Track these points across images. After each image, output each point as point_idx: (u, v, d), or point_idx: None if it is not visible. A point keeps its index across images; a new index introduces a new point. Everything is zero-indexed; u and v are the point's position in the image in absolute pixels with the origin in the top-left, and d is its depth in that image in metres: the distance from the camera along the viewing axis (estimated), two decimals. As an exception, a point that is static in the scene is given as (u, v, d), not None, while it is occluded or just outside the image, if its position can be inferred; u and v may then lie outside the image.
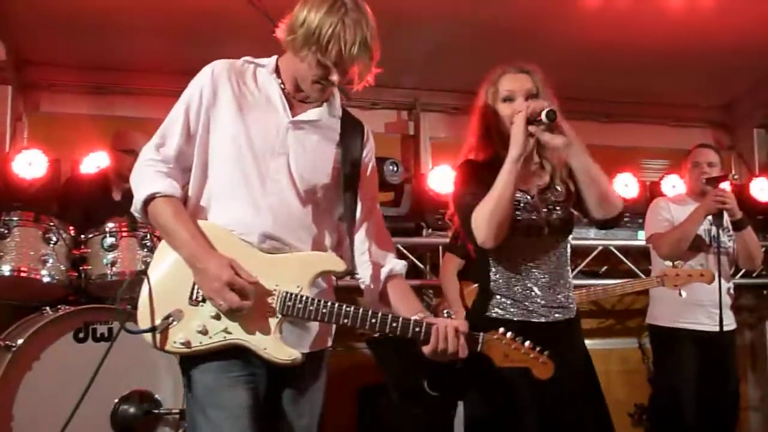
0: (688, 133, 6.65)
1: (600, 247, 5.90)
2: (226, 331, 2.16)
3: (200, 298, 2.18)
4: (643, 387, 5.48)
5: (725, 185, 4.50)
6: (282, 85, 2.34)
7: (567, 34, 5.47)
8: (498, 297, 2.74)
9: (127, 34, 4.90)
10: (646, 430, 5.56)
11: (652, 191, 6.11)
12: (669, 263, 4.06)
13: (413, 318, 2.22)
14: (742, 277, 6.13)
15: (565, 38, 5.51)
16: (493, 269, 2.76)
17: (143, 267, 3.76)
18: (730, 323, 4.36)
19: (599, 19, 5.39)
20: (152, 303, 2.18)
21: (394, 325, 2.20)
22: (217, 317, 2.16)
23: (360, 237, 2.41)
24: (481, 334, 2.24)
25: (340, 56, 2.16)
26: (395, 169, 5.16)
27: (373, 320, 2.19)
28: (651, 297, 4.69)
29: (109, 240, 3.75)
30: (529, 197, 2.74)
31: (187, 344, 2.15)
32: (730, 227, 4.42)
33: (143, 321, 2.18)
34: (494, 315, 2.71)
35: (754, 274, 6.25)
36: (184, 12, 4.64)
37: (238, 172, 2.26)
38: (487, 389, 2.67)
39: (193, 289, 2.18)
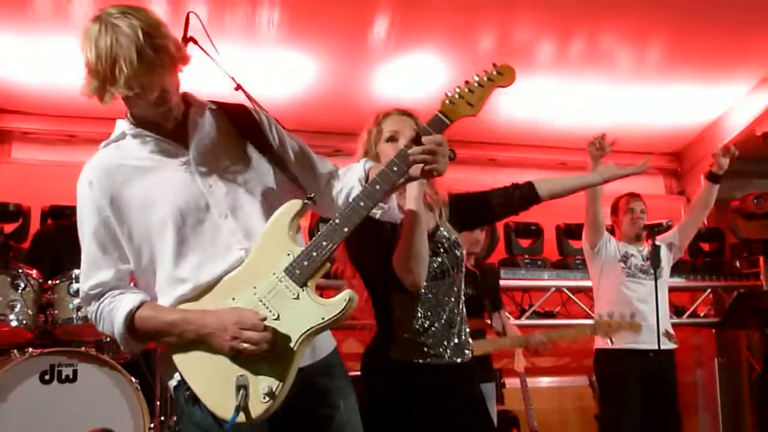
0: (641, 180, 6.97)
1: (553, 288, 6.15)
2: (286, 348, 2.00)
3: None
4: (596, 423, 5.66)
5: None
6: (151, 133, 2.12)
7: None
8: (400, 339, 2.67)
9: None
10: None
11: (608, 234, 6.40)
12: (603, 313, 4.39)
13: (384, 167, 2.10)
14: (690, 316, 6.45)
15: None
16: (395, 311, 2.68)
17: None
18: (668, 345, 4.72)
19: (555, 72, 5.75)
20: (215, 398, 2.02)
21: (378, 187, 2.08)
22: (268, 349, 1.99)
23: (328, 192, 2.32)
24: (436, 113, 2.11)
25: (130, 80, 1.92)
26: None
27: (362, 203, 2.06)
28: None
29: (76, 286, 3.88)
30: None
31: (271, 392, 1.99)
32: (667, 261, 4.84)
33: (224, 412, 1.99)
34: (396, 357, 2.66)
35: (702, 314, 6.56)
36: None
37: (185, 245, 2.09)
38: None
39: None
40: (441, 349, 2.69)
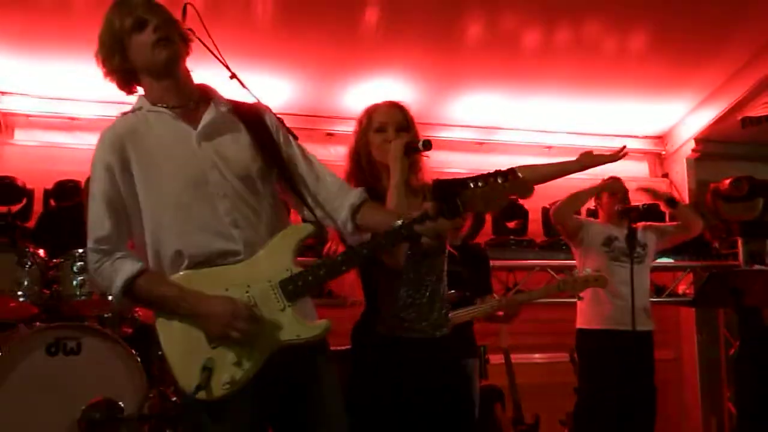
0: (626, 163, 7.14)
1: (537, 268, 6.39)
2: (258, 348, 2.21)
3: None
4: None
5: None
6: (166, 108, 2.36)
7: (508, 67, 5.99)
8: (385, 314, 2.84)
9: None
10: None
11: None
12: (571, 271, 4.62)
13: (397, 223, 2.27)
14: (670, 295, 6.68)
15: (505, 70, 6.02)
16: (381, 289, 2.85)
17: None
18: (646, 325, 4.95)
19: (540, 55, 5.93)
20: (181, 368, 2.22)
21: (383, 241, 2.27)
22: (243, 344, 2.20)
23: (316, 193, 2.47)
24: (457, 198, 2.23)
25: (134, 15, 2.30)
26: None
27: (365, 250, 2.27)
28: (578, 304, 5.20)
29: (79, 264, 4.06)
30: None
31: (233, 381, 2.18)
32: (645, 243, 5.02)
33: (186, 384, 2.20)
34: (381, 331, 2.83)
35: (681, 293, 6.78)
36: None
37: (183, 211, 2.27)
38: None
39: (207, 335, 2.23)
40: (423, 325, 2.85)
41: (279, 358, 2.25)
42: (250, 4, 5.14)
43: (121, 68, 2.37)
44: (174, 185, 2.29)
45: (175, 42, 2.35)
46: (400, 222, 2.28)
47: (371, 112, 2.97)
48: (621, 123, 6.92)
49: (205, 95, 2.45)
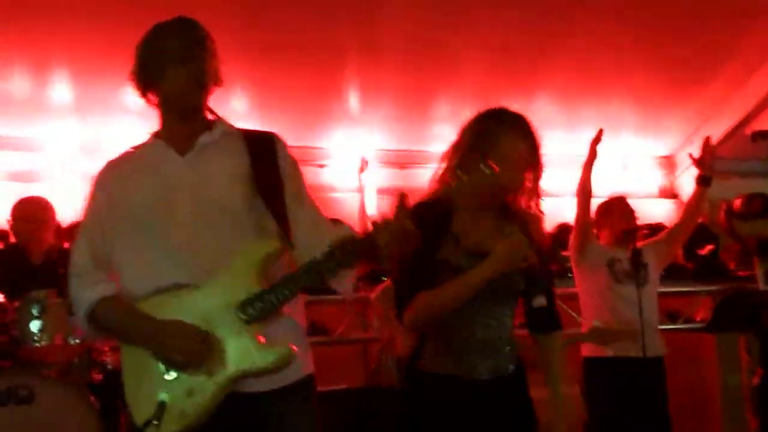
0: (634, 183, 7.00)
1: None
2: (212, 376, 2.05)
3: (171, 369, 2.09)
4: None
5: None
6: (162, 141, 2.28)
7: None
8: (430, 349, 2.66)
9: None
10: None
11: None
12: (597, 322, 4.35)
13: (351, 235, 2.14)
14: (686, 321, 6.46)
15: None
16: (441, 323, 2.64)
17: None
18: (657, 351, 4.69)
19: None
20: (137, 401, 2.10)
21: (345, 252, 2.09)
22: (198, 374, 2.05)
23: (300, 236, 2.27)
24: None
25: (163, 62, 2.21)
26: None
27: (330, 260, 2.09)
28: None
29: (37, 307, 3.87)
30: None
31: (183, 414, 2.03)
32: (646, 263, 4.76)
33: (138, 415, 2.07)
34: (424, 368, 2.65)
35: (699, 319, 6.49)
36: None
37: (149, 237, 2.18)
38: None
39: (162, 365, 2.09)
40: (471, 365, 2.62)
41: (234, 406, 2.08)
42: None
43: (146, 81, 2.29)
44: (140, 220, 2.21)
45: (208, 88, 2.26)
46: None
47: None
48: (628, 144, 6.78)
49: (211, 124, 2.34)
